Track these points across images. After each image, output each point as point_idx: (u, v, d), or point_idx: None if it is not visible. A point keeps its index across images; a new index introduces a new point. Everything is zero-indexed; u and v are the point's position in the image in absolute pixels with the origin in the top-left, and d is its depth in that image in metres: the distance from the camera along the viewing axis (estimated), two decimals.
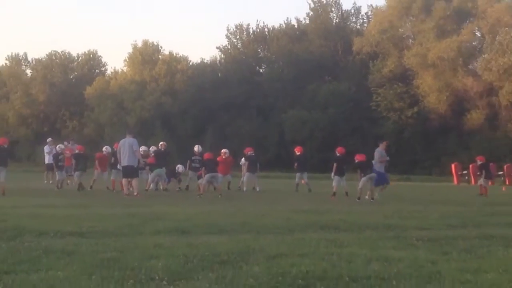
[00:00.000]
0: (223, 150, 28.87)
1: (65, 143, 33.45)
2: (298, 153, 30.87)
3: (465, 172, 47.69)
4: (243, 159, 31.24)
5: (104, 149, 29.24)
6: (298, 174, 30.11)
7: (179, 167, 29.48)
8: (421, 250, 9.69)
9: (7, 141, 25.32)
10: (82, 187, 26.95)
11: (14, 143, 79.59)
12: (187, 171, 29.59)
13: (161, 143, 29.72)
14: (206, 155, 26.58)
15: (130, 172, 23.97)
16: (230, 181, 30.04)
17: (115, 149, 27.19)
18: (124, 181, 24.39)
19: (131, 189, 23.65)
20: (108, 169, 28.26)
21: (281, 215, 15.27)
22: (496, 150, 55.48)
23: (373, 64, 66.77)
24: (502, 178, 45.98)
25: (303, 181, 29.91)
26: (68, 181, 29.06)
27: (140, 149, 27.32)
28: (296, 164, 30.59)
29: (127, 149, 24.00)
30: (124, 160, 24.04)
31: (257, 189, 29.04)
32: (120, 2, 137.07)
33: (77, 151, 28.79)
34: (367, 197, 23.17)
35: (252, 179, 30.41)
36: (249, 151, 31.29)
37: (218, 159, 27.37)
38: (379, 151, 24.95)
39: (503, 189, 36.64)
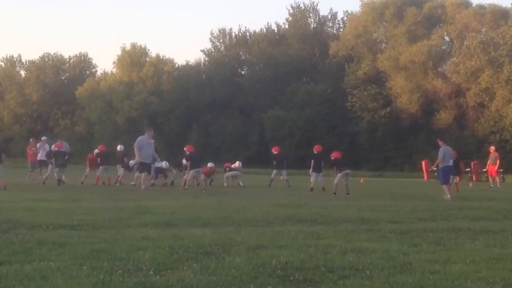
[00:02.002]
0: (209, 164, 29.16)
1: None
2: (275, 153, 31.05)
3: (435, 168, 47.76)
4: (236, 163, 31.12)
5: (95, 151, 30.28)
6: (274, 171, 30.29)
7: (163, 163, 29.47)
8: (393, 242, 9.69)
9: None
10: (62, 181, 27.13)
11: (8, 141, 79.34)
12: (170, 167, 30.36)
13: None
14: (189, 148, 26.61)
15: (139, 167, 25.29)
16: (213, 179, 30.05)
17: (98, 151, 29.34)
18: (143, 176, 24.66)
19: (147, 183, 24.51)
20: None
21: (261, 209, 15.22)
22: (464, 148, 55.67)
23: (348, 66, 66.92)
24: (469, 174, 46.20)
25: (282, 178, 29.96)
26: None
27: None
28: (274, 163, 30.74)
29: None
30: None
31: (240, 184, 28.97)
32: (110, 7, 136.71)
33: (56, 149, 28.80)
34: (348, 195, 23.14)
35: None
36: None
37: (204, 171, 27.03)
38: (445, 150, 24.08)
39: (470, 185, 36.79)
